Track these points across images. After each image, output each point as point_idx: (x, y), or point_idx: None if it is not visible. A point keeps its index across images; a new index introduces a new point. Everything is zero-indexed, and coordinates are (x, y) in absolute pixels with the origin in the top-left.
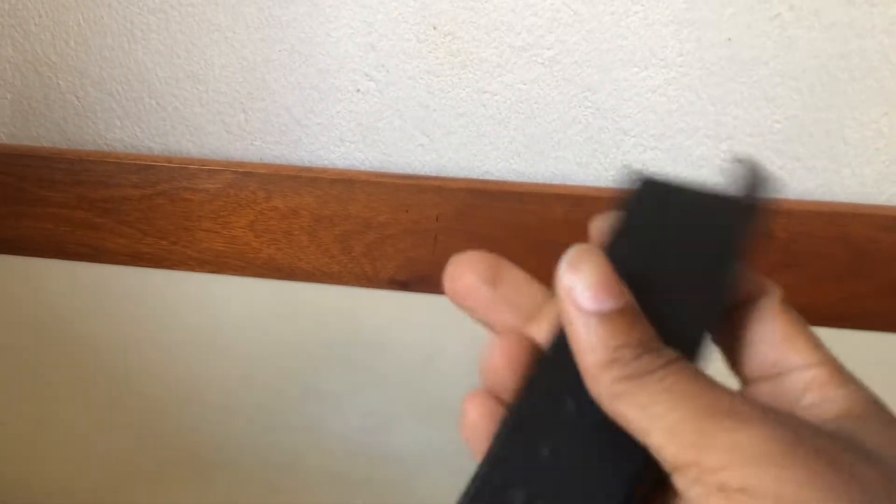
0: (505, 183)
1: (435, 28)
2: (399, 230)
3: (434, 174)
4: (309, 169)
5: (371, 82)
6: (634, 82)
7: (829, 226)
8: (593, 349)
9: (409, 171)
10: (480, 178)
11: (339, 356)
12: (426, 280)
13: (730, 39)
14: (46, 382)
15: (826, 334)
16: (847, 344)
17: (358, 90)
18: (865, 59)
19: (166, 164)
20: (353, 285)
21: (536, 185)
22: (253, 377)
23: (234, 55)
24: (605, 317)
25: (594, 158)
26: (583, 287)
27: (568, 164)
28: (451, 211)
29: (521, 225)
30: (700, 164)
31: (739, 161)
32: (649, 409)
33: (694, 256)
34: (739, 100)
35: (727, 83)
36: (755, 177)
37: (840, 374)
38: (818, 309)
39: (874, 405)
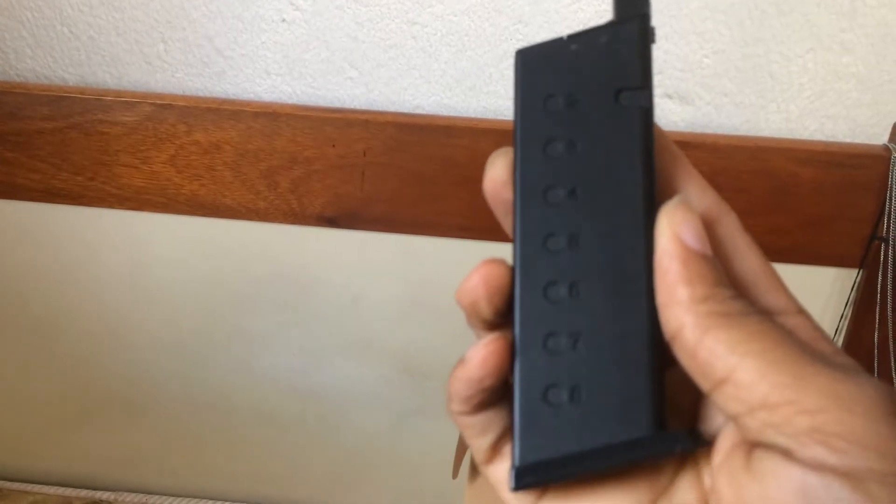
0: (432, 117)
1: None
2: (326, 165)
3: (364, 108)
4: (231, 101)
5: (297, 12)
6: (566, 14)
7: (750, 160)
8: (691, 282)
9: (338, 104)
10: (411, 112)
11: (266, 295)
12: (354, 216)
13: None
14: None
15: None
16: None
17: (283, 20)
18: None
19: (79, 96)
20: (280, 222)
21: (464, 119)
22: (178, 317)
23: None
24: (704, 257)
25: None
26: (691, 228)
27: (500, 98)
28: (379, 146)
29: (450, 160)
30: None
31: None
32: (741, 346)
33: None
34: (669, 33)
35: (657, 16)
36: None
37: (818, 329)
38: None
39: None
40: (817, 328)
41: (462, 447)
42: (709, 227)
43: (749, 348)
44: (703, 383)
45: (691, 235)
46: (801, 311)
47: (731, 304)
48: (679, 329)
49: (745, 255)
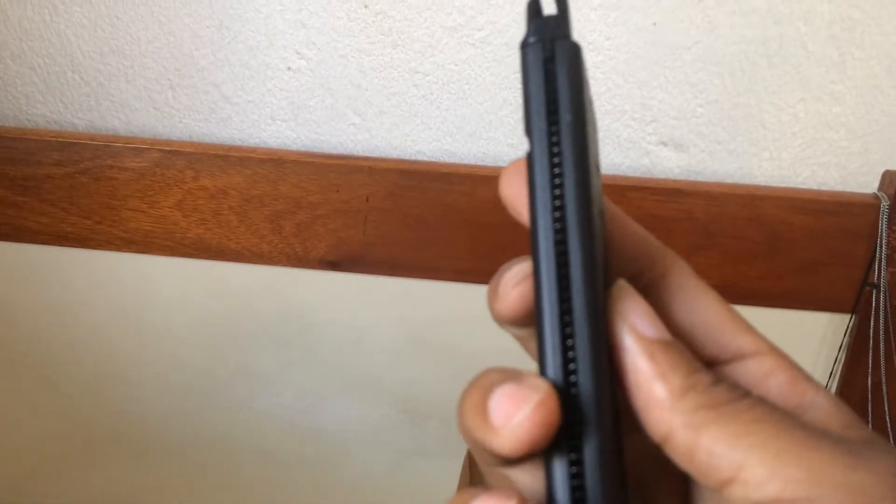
0: (434, 164)
1: (366, 6)
2: (329, 210)
3: (367, 154)
4: (238, 148)
5: (302, 60)
6: None
7: (744, 208)
8: (664, 377)
9: (342, 150)
10: (412, 158)
11: (269, 336)
12: (357, 260)
13: (655, 24)
14: None
15: (744, 312)
16: (763, 321)
17: (289, 68)
18: (784, 46)
19: (90, 142)
20: (284, 265)
21: (465, 166)
22: (182, 357)
23: (160, 30)
24: (667, 344)
25: (525, 140)
26: (642, 315)
27: (499, 145)
28: (382, 191)
29: (450, 206)
30: (627, 147)
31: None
32: (742, 440)
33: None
34: (664, 83)
35: (652, 67)
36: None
37: (796, 367)
38: (736, 287)
39: (848, 412)
40: (794, 366)
41: (464, 487)
42: (660, 281)
43: (751, 441)
44: (705, 483)
45: (646, 323)
46: (774, 350)
47: (715, 393)
48: (669, 433)
49: (704, 301)
